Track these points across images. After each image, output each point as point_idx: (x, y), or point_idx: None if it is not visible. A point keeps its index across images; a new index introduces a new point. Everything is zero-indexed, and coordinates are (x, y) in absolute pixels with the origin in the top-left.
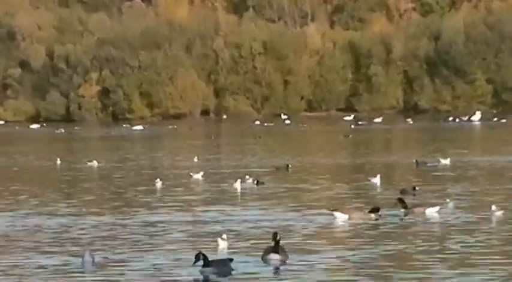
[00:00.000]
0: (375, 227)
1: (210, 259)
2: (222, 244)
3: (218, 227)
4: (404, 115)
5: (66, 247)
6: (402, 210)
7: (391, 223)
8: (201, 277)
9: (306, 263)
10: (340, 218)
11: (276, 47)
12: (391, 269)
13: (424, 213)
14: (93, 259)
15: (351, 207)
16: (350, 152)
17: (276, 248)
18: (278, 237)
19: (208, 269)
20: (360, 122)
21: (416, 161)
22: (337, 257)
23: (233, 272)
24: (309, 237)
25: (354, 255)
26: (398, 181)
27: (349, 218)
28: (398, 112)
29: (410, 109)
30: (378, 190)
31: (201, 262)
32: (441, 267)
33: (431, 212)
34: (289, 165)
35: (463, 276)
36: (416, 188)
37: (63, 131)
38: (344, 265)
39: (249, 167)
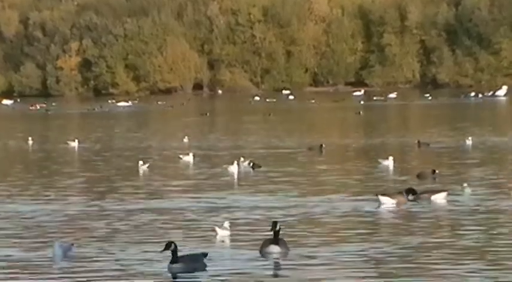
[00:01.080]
0: (388, 216)
1: (181, 254)
2: (222, 233)
3: (210, 216)
4: (420, 90)
5: (35, 238)
6: (411, 196)
7: (405, 212)
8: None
9: (308, 257)
10: (387, 203)
11: (278, 14)
12: (403, 264)
13: (429, 199)
14: (64, 252)
15: (395, 192)
16: (362, 131)
17: (276, 240)
18: (278, 227)
19: (176, 266)
20: (374, 98)
21: (419, 141)
22: (341, 251)
23: (227, 268)
24: (313, 227)
25: (362, 249)
26: (414, 163)
27: (397, 204)
28: (414, 87)
29: (428, 83)
30: (391, 173)
31: (169, 253)
32: (457, 262)
33: (438, 198)
34: (323, 145)
35: (481, 271)
36: (437, 171)
37: (38, 107)
38: (348, 259)
39: (257, 148)
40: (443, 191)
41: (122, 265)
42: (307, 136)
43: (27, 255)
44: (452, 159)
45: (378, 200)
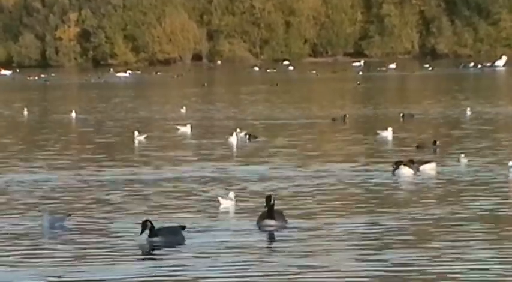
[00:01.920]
0: (390, 187)
1: (158, 227)
2: (225, 204)
3: (207, 187)
4: (419, 60)
5: (26, 208)
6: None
7: (402, 184)
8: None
9: (306, 230)
10: (406, 173)
11: None
12: (399, 237)
13: (418, 170)
14: (52, 223)
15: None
16: (367, 101)
17: (271, 213)
18: (272, 201)
19: (155, 239)
20: (378, 69)
21: (403, 114)
22: (340, 223)
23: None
24: (312, 199)
25: (359, 222)
26: (413, 135)
27: (415, 173)
28: (413, 57)
29: (427, 54)
30: (389, 144)
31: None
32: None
33: (426, 169)
34: (347, 116)
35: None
36: (438, 142)
37: (37, 78)
38: (344, 232)
39: (267, 119)
40: (432, 161)
41: (109, 237)
42: (321, 106)
43: (18, 226)
44: (449, 130)
45: (396, 171)
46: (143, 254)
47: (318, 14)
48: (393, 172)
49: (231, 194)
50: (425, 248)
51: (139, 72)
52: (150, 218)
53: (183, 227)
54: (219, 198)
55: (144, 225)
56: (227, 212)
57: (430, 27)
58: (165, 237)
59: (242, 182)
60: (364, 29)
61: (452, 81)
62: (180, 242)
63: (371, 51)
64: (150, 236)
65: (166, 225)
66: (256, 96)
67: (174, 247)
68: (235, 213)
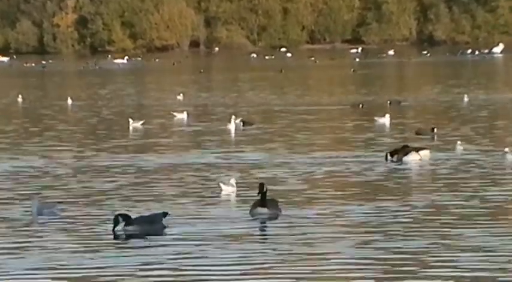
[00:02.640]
0: (386, 174)
1: (136, 216)
2: (227, 190)
3: (203, 174)
4: (417, 47)
5: (16, 194)
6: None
7: (399, 171)
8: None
9: (300, 217)
10: (415, 159)
11: None
12: (396, 225)
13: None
14: (39, 210)
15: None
16: (362, 88)
17: (264, 201)
18: (265, 189)
19: (130, 227)
20: (378, 55)
21: (390, 101)
22: (334, 210)
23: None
24: (307, 187)
25: (353, 209)
26: (411, 121)
27: (421, 159)
28: (411, 44)
29: (425, 41)
30: (387, 131)
31: (121, 225)
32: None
33: (419, 156)
34: (362, 104)
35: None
36: (435, 129)
37: (34, 64)
38: (341, 220)
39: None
40: (426, 148)
41: (98, 225)
42: (333, 93)
43: (9, 213)
44: (447, 116)
45: (405, 157)
46: (132, 242)
47: (315, 1)
48: (401, 159)
49: (233, 180)
50: (423, 235)
51: (139, 58)
52: (147, 207)
53: (165, 214)
54: (221, 185)
55: (116, 220)
56: (228, 199)
57: (428, 14)
58: (140, 226)
59: (239, 169)
60: (361, 16)
61: (449, 68)
62: (157, 231)
63: (369, 38)
64: (125, 224)
65: (146, 213)
66: (260, 82)
67: (161, 235)
68: (225, 201)
